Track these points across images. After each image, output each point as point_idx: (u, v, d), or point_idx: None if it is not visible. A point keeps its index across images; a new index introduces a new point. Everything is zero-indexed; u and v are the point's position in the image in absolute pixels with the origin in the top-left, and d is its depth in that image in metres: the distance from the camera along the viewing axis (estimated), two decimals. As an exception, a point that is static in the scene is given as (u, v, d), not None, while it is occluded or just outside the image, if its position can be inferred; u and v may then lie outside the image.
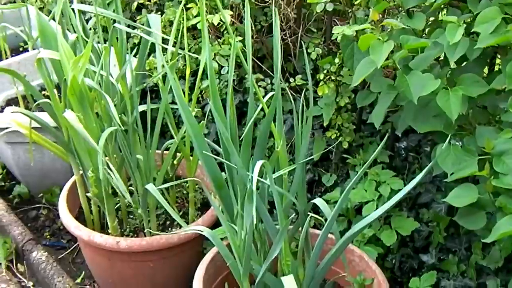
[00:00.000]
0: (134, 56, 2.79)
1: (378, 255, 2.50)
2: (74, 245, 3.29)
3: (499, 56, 2.16)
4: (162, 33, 2.51)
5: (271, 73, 3.03)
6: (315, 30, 3.08)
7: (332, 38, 2.40)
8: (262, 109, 2.11)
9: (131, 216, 2.83)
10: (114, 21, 2.54)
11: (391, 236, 2.49)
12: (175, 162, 2.75)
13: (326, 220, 2.01)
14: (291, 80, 2.89)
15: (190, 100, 2.63)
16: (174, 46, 2.53)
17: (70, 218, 2.67)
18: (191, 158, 2.70)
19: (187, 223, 2.75)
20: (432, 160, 2.03)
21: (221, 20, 2.84)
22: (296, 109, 2.07)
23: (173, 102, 2.91)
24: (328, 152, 2.89)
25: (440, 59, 2.19)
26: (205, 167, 2.10)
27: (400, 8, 2.29)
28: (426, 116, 2.11)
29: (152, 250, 2.54)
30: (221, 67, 2.93)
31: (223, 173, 2.17)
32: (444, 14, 2.12)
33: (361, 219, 1.96)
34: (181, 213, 2.87)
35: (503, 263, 2.30)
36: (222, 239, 2.17)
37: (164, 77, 2.54)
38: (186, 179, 2.74)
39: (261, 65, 3.07)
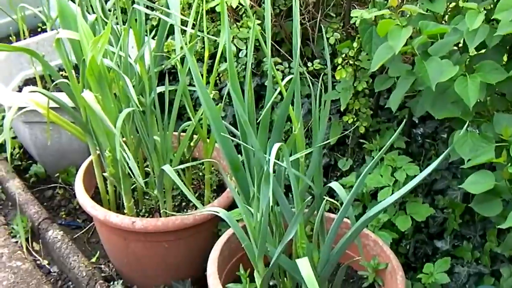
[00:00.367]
0: (153, 38, 2.80)
1: (393, 240, 2.51)
2: (90, 225, 3.31)
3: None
4: (181, 15, 2.50)
5: (289, 57, 3.03)
6: (334, 15, 3.08)
7: (351, 22, 2.40)
8: (279, 93, 2.12)
9: (147, 197, 2.85)
10: (133, 2, 2.54)
11: (406, 222, 2.49)
12: (191, 144, 2.76)
13: (341, 204, 2.01)
14: (309, 64, 2.89)
15: (207, 83, 2.63)
16: (193, 28, 2.53)
17: (86, 197, 2.69)
18: (207, 140, 2.70)
19: (203, 204, 2.76)
20: (448, 146, 2.03)
21: (240, 3, 2.83)
22: (314, 93, 2.07)
23: (191, 84, 2.92)
24: (345, 137, 2.89)
25: (459, 45, 2.19)
26: (222, 149, 2.10)
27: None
28: (444, 103, 2.11)
29: (167, 230, 2.55)
30: (239, 50, 2.93)
31: (239, 156, 2.18)
32: (464, 0, 2.11)
33: (376, 204, 1.96)
34: (196, 195, 2.88)
35: (518, 250, 2.31)
36: (237, 221, 2.18)
37: (182, 59, 2.54)
38: (202, 160, 2.75)
39: (279, 49, 3.07)
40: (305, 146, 2.13)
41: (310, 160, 2.15)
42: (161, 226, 2.54)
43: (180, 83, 2.51)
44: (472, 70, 2.02)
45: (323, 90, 2.12)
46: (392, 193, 2.41)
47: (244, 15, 3.03)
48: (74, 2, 2.56)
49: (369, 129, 2.77)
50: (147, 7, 2.56)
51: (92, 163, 2.84)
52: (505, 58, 2.22)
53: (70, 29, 2.53)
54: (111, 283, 2.89)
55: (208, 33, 2.94)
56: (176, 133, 2.76)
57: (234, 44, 2.89)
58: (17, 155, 3.67)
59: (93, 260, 3.07)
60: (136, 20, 2.61)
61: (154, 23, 3.40)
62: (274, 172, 1.82)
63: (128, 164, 2.47)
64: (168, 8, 2.51)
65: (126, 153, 2.41)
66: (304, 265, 1.79)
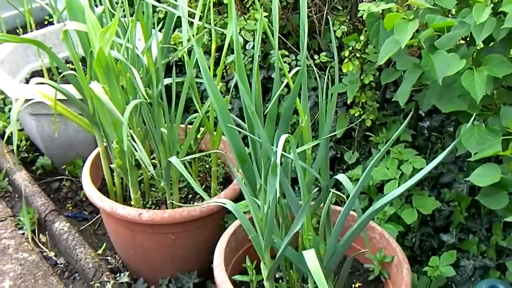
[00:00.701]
0: (159, 31, 2.80)
1: (399, 233, 2.51)
2: (96, 217, 3.32)
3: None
4: (188, 7, 2.51)
5: (295, 50, 3.03)
6: (341, 8, 3.08)
7: (358, 15, 2.40)
8: (286, 85, 2.12)
9: (154, 189, 2.86)
10: (141, -6, 2.55)
11: (412, 215, 2.50)
12: (198, 136, 2.76)
13: (347, 197, 2.01)
14: (316, 57, 2.89)
15: (214, 75, 2.64)
16: (200, 20, 2.53)
17: (93, 189, 2.70)
18: (214, 132, 2.70)
19: (209, 196, 2.77)
20: (455, 140, 2.03)
21: (247, -4, 2.84)
22: (321, 86, 2.07)
23: (197, 77, 2.93)
24: (351, 130, 2.90)
25: (466, 39, 2.18)
26: (230, 141, 2.11)
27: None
28: (450, 96, 2.11)
29: (173, 222, 2.56)
30: (246, 42, 2.93)
31: (246, 148, 2.18)
32: (472, -7, 2.11)
33: (383, 197, 1.96)
34: (203, 187, 2.89)
35: (524, 244, 2.31)
36: (244, 213, 2.18)
37: (189, 51, 2.55)
38: (209, 152, 2.76)
39: (286, 41, 3.07)
40: (311, 139, 2.13)
41: (317, 152, 2.16)
42: (167, 218, 2.55)
43: (187, 75, 2.52)
44: (479, 63, 2.02)
45: (330, 83, 2.12)
46: (398, 186, 2.40)
47: (251, 7, 3.03)
48: (81, -6, 2.57)
49: (375, 122, 2.77)
50: (154, -1, 2.57)
51: (99, 155, 2.85)
52: (512, 51, 2.22)
53: (77, 21, 2.54)
54: (118, 274, 2.90)
55: (215, 25, 2.95)
56: (183, 125, 2.77)
57: (242, 36, 2.89)
58: (24, 147, 3.69)
59: (100, 252, 3.08)
60: (143, 12, 2.61)
61: (161, 16, 3.40)
62: (281, 164, 1.82)
63: (135, 155, 2.48)
64: (176, 0, 2.52)
65: (135, 142, 2.42)
66: (310, 257, 1.79)
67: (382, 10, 2.26)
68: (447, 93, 2.11)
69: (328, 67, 2.56)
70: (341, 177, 2.09)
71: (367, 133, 2.80)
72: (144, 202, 2.81)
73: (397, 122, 2.78)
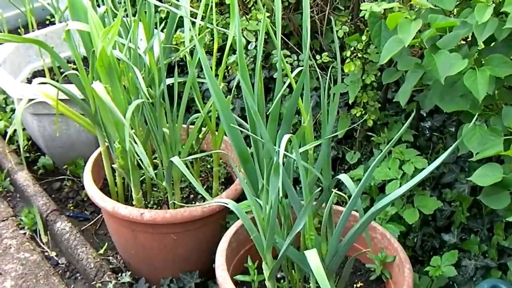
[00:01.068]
0: (162, 30, 2.80)
1: (400, 233, 2.51)
2: (98, 217, 3.33)
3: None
4: (190, 7, 2.51)
5: (297, 50, 3.03)
6: (343, 8, 3.08)
7: (360, 15, 2.40)
8: (288, 86, 2.12)
9: (155, 189, 2.86)
10: (143, -6, 2.55)
11: (413, 215, 2.50)
12: (200, 136, 2.76)
13: (349, 197, 2.01)
14: (317, 57, 2.89)
15: (216, 75, 2.64)
16: (202, 20, 2.53)
17: (95, 189, 2.70)
18: (216, 132, 2.70)
19: (211, 196, 2.77)
20: (457, 140, 2.03)
21: (249, -4, 2.84)
22: (322, 86, 2.08)
23: (199, 77, 2.93)
24: (353, 130, 2.90)
25: (468, 39, 2.19)
26: (232, 140, 2.11)
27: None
28: (452, 96, 2.11)
29: (175, 222, 2.56)
30: (248, 43, 2.94)
31: (248, 148, 2.18)
32: (474, -6, 2.12)
33: (384, 197, 1.96)
34: (204, 187, 2.89)
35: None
36: (246, 212, 2.18)
37: (191, 51, 2.55)
38: (211, 152, 2.76)
39: (287, 41, 3.08)
40: (313, 139, 2.13)
41: (319, 152, 2.16)
42: (169, 218, 2.55)
43: (189, 75, 2.52)
44: (481, 63, 2.02)
45: (331, 83, 2.13)
46: (400, 186, 2.41)
47: (252, 8, 3.03)
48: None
49: (377, 122, 2.77)
50: (157, -1, 2.57)
51: (100, 155, 2.85)
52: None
53: (79, 21, 2.54)
54: (119, 274, 2.90)
55: (217, 25, 2.95)
56: (185, 126, 2.77)
57: (244, 36, 2.89)
58: (26, 147, 3.69)
59: (101, 251, 3.08)
60: (145, 12, 2.62)
61: (163, 16, 3.40)
62: (283, 164, 1.82)
63: (137, 155, 2.48)
64: (178, 0, 2.52)
65: (136, 143, 2.42)
66: (312, 257, 1.79)
67: (384, 10, 2.27)
68: (449, 93, 2.11)
69: (330, 67, 2.56)
70: (343, 177, 2.09)
71: (369, 133, 2.80)
72: (146, 202, 2.81)
73: (398, 122, 2.78)
